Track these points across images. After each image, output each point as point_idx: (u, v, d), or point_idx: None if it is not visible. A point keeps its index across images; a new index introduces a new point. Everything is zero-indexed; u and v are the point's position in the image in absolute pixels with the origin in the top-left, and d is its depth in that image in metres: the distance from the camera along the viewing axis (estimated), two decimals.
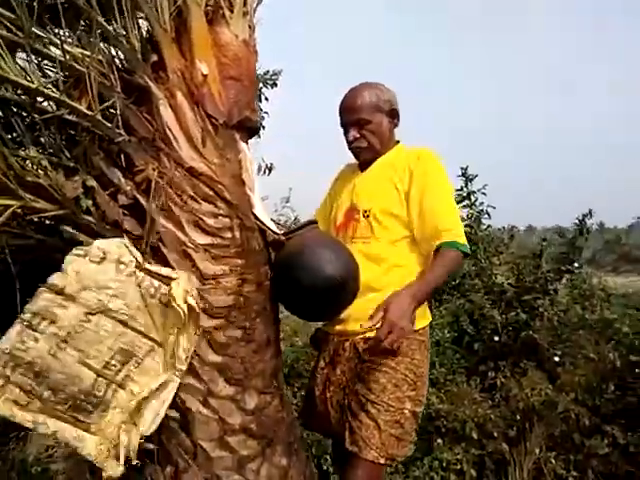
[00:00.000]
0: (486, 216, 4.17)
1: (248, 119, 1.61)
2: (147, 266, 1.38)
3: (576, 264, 4.22)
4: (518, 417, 3.27)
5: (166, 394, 1.34)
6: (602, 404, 3.08)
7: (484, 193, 4.08)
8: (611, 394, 3.11)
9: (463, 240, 1.68)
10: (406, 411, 1.68)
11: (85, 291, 1.31)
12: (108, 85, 1.42)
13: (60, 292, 1.30)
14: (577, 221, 4.33)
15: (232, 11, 1.57)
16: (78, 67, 1.36)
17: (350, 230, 1.82)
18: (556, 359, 3.71)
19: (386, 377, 1.67)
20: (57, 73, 1.34)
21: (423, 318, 1.79)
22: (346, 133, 1.87)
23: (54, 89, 1.34)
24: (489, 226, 4.31)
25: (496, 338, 4.09)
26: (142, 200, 1.48)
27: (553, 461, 3.03)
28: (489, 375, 3.65)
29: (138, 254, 1.40)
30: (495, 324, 4.14)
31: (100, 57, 1.39)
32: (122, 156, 1.48)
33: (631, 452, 2.86)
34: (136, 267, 1.37)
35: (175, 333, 1.35)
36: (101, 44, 1.41)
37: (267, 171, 3.95)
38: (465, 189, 4.11)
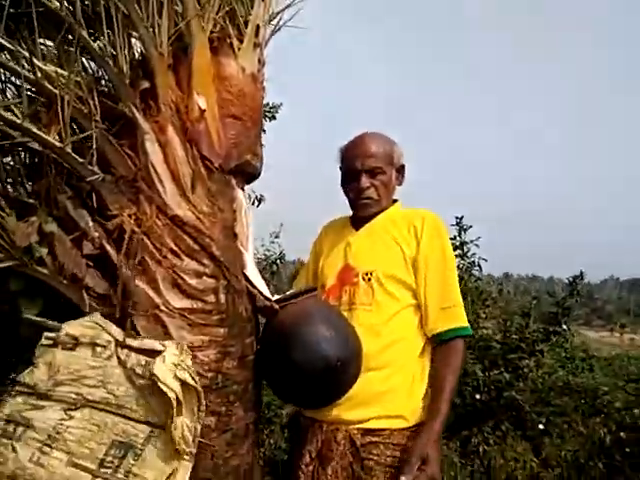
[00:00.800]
0: (477, 268, 4.01)
1: (248, 164, 1.39)
2: (128, 342, 1.14)
3: (564, 326, 4.09)
4: None
5: None
6: None
7: (477, 245, 3.93)
8: (598, 472, 2.93)
9: (464, 320, 1.55)
10: None
11: (60, 386, 1.13)
12: (85, 112, 1.18)
13: (32, 392, 1.13)
14: (568, 282, 4.24)
15: (241, 41, 1.36)
16: (50, 88, 1.12)
17: (346, 295, 1.59)
18: (541, 427, 3.53)
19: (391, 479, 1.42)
20: (22, 93, 1.10)
21: (427, 406, 1.54)
22: (354, 181, 1.65)
23: (16, 112, 1.10)
24: (479, 279, 4.16)
25: (477, 396, 3.91)
26: (111, 251, 1.24)
27: None
28: (472, 441, 3.43)
29: (116, 331, 1.16)
30: (477, 381, 3.96)
31: (78, 78, 1.16)
32: (94, 197, 1.24)
33: None
34: (117, 346, 1.13)
35: (174, 414, 1.10)
36: (82, 63, 1.17)
37: (257, 202, 3.72)
38: (458, 238, 3.95)
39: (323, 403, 1.44)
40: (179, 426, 1.11)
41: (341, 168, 1.71)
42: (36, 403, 1.13)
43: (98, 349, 1.16)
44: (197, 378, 1.18)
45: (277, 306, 1.37)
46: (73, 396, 1.13)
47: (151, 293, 1.24)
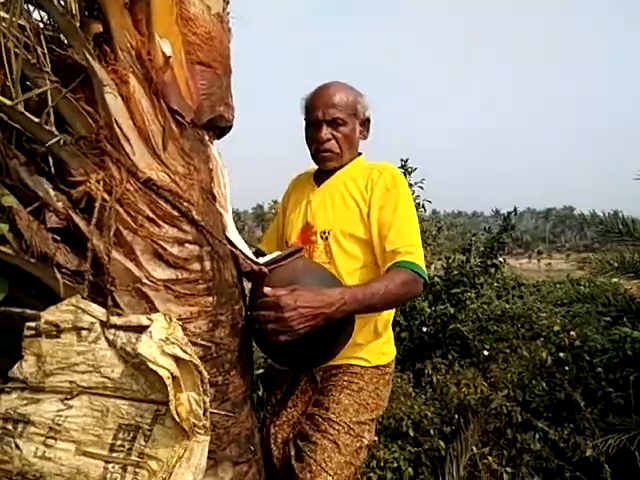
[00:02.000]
0: (422, 209, 4.11)
1: (221, 117, 1.27)
2: (114, 320, 1.04)
3: (500, 259, 4.35)
4: (454, 414, 3.29)
5: (197, 460, 1.04)
6: (533, 400, 3.18)
7: (421, 187, 4.00)
8: (541, 391, 3.22)
9: (421, 263, 1.43)
10: (365, 441, 1.49)
11: (51, 376, 1.05)
12: (33, 62, 1.00)
13: (24, 386, 1.05)
14: (503, 217, 4.48)
15: None
16: None
17: (306, 254, 1.55)
18: (485, 353, 3.80)
19: (348, 399, 1.48)
20: None
21: (389, 352, 1.62)
22: (316, 131, 1.58)
23: None
24: (424, 219, 4.27)
25: (424, 329, 4.13)
26: (80, 223, 1.10)
27: (488, 457, 3.09)
28: (425, 372, 3.63)
29: (98, 311, 1.05)
30: (423, 315, 4.18)
31: (22, 21, 0.97)
32: (51, 161, 1.08)
33: (561, 447, 2.98)
34: (102, 327, 1.03)
35: (170, 392, 1.03)
36: (25, 5, 0.98)
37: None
38: None
39: (317, 363, 1.43)
40: (185, 401, 1.05)
41: (305, 120, 1.62)
42: (31, 397, 1.06)
43: (83, 333, 1.06)
44: (191, 350, 1.11)
45: (266, 269, 1.30)
46: (67, 385, 1.05)
47: (130, 266, 1.13)
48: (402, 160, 3.94)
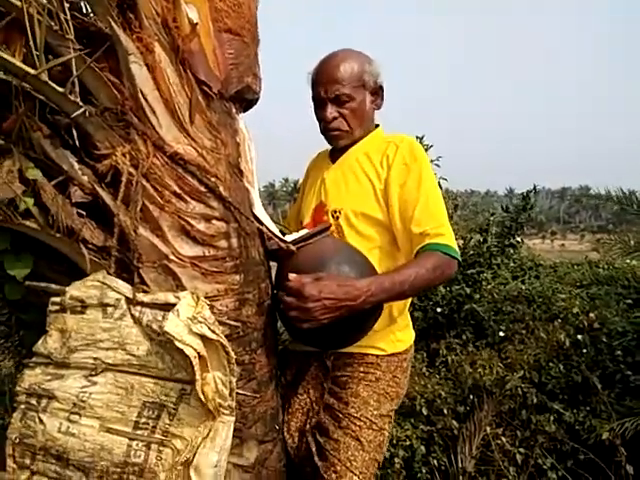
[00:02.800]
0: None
1: (248, 88, 1.22)
2: (140, 297, 1.02)
3: (518, 239, 4.28)
4: (468, 394, 3.28)
5: (221, 440, 1.03)
6: (549, 382, 3.16)
7: (437, 165, 3.91)
8: (558, 373, 3.20)
9: (452, 244, 1.33)
10: (386, 433, 1.45)
11: (76, 353, 1.04)
12: (56, 30, 0.96)
13: (49, 362, 1.04)
14: (522, 196, 4.38)
15: None
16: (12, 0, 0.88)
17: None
18: (501, 334, 3.77)
19: (367, 390, 1.42)
20: None
21: (405, 339, 1.54)
22: (321, 110, 1.49)
23: None
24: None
25: (439, 310, 4.10)
26: (106, 198, 1.07)
27: (502, 438, 3.09)
28: (439, 352, 3.62)
29: (125, 287, 1.03)
30: (437, 296, 4.14)
31: None
32: (76, 134, 1.05)
33: (576, 429, 2.97)
34: (128, 304, 1.01)
35: (196, 372, 1.01)
36: None
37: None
38: None
39: (342, 346, 1.40)
40: (211, 381, 1.04)
41: (312, 96, 1.53)
42: (55, 372, 1.05)
43: (109, 309, 1.04)
44: (219, 330, 1.09)
45: (294, 247, 1.27)
46: (91, 361, 1.04)
47: (157, 242, 1.10)
48: (418, 137, 3.84)
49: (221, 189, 1.16)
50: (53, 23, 0.96)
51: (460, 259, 1.37)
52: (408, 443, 3.09)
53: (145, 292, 1.08)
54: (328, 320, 1.17)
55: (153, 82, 1.09)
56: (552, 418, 3.04)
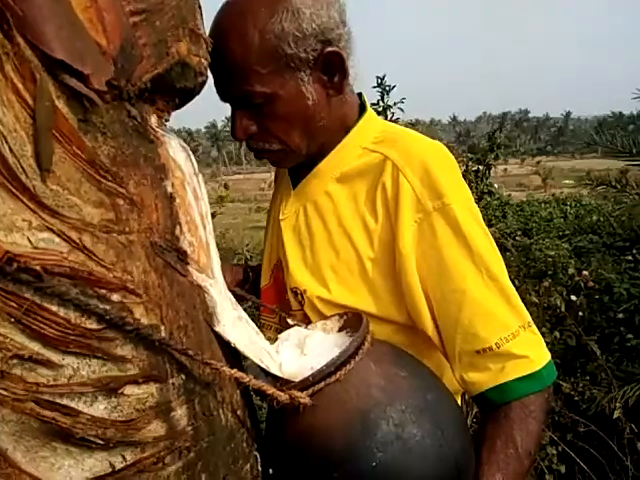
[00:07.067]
0: None
1: (185, 67, 0.55)
2: None
3: (495, 185, 3.92)
4: None
5: None
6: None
7: (401, 109, 3.32)
8: (552, 339, 2.92)
9: (540, 359, 0.77)
10: None
11: None
12: None
13: None
14: (487, 137, 3.96)
15: None
16: None
17: (277, 317, 0.94)
18: None
19: None
20: None
21: None
22: (231, 118, 0.83)
23: None
24: None
25: None
26: None
27: None
28: None
29: None
30: None
31: None
32: None
33: (575, 401, 2.74)
34: None
35: None
36: None
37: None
38: (381, 103, 3.29)
39: None
40: None
41: None
42: None
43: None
44: None
45: (306, 399, 0.63)
46: None
47: None
48: (378, 77, 3.20)
49: (138, 316, 0.52)
50: None
51: (554, 372, 0.79)
52: None
53: None
54: None
55: None
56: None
